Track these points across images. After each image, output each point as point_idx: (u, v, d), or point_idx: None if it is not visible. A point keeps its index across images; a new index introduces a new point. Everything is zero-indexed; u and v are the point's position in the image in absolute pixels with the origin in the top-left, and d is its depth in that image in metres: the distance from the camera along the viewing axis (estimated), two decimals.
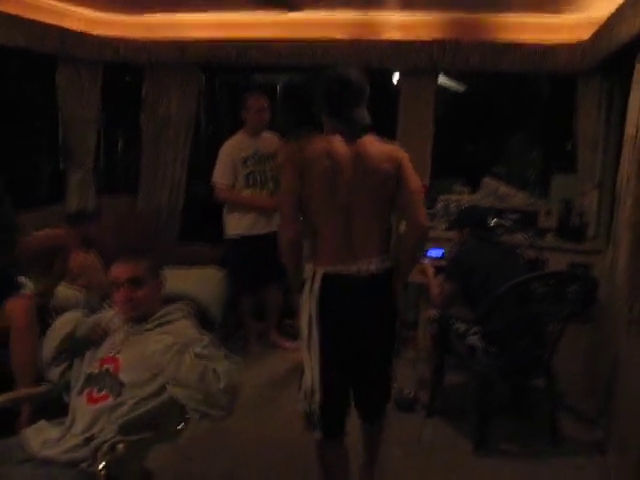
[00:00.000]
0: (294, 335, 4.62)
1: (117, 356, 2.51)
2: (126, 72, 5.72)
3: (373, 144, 2.75)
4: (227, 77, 6.61)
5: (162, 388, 2.40)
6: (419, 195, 2.78)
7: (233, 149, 4.76)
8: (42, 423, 2.48)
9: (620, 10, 3.49)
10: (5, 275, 3.58)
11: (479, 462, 3.60)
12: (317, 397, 2.70)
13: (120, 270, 2.58)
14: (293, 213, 2.68)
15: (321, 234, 2.73)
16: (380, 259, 2.73)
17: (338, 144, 2.70)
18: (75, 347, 2.64)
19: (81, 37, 5.06)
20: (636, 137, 3.09)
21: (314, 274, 2.71)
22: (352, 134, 2.72)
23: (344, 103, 2.70)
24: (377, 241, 2.75)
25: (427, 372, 4.29)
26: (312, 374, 2.72)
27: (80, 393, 2.48)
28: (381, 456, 3.14)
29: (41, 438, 2.38)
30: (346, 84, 2.69)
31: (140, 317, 2.59)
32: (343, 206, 2.68)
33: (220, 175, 4.74)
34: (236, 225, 4.83)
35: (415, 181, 2.77)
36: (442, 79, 5.62)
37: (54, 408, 2.56)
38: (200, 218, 5.96)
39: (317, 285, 2.68)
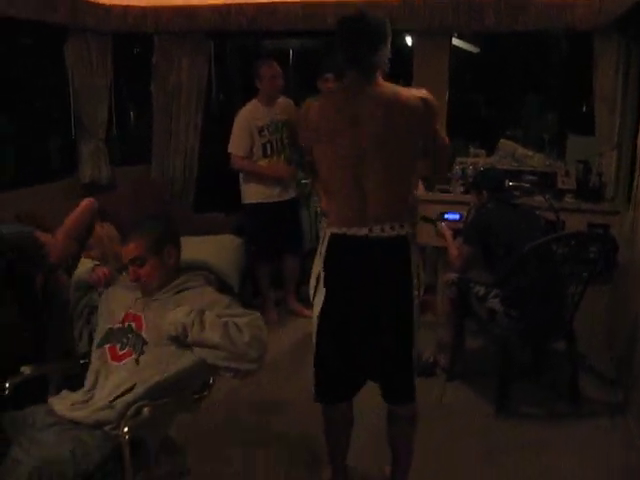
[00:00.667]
0: None
1: (139, 314, 2.54)
2: (136, 41, 5.65)
3: (394, 91, 2.55)
4: (237, 43, 6.53)
5: (185, 349, 2.42)
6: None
7: (248, 119, 4.72)
8: (65, 392, 2.50)
9: None
10: None
11: (500, 425, 3.61)
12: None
13: (124, 252, 2.61)
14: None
15: (333, 193, 2.61)
16: (397, 224, 2.54)
17: (350, 95, 2.55)
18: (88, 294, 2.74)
19: (90, 6, 4.99)
20: None
21: (324, 234, 2.63)
22: (368, 80, 2.53)
23: (357, 46, 2.52)
24: (394, 204, 2.55)
25: (446, 336, 4.28)
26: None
27: (101, 346, 2.52)
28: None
29: (68, 402, 2.41)
30: (358, 26, 2.53)
31: (153, 289, 2.60)
32: (356, 164, 2.51)
33: (236, 146, 4.72)
34: (253, 193, 4.83)
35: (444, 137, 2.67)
36: (456, 41, 5.53)
37: (80, 382, 2.56)
38: (214, 186, 5.94)
39: (324, 246, 2.59)
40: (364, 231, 2.51)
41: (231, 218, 5.41)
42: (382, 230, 2.50)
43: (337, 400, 2.77)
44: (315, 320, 2.66)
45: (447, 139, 2.71)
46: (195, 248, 3.82)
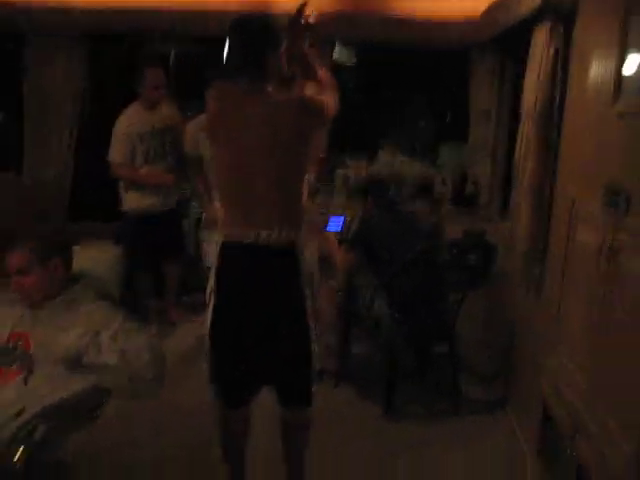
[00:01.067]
0: (194, 311, 4.58)
1: (26, 331, 2.43)
2: (6, 40, 5.35)
3: (285, 96, 2.54)
4: (117, 46, 6.32)
5: (77, 368, 2.34)
6: None
7: (128, 125, 4.56)
8: None
9: None
10: None
11: (388, 427, 3.71)
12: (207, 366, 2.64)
13: (8, 262, 2.52)
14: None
15: (225, 198, 2.58)
16: (285, 230, 2.49)
17: (243, 98, 2.50)
18: None
19: None
20: (535, 107, 3.20)
21: (217, 242, 2.57)
22: (259, 85, 2.50)
23: (249, 49, 2.48)
24: (284, 210, 2.52)
25: (333, 342, 4.35)
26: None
27: None
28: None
29: None
30: (250, 29, 2.50)
31: (40, 300, 2.50)
32: (246, 167, 2.49)
33: (116, 153, 4.56)
34: (134, 200, 4.68)
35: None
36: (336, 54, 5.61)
37: None
38: (90, 194, 5.74)
39: (216, 254, 2.55)
40: (252, 237, 2.47)
41: (108, 226, 5.25)
42: (269, 236, 2.47)
43: (234, 406, 2.74)
44: (207, 326, 2.59)
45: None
46: (74, 258, 3.68)
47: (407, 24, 4.76)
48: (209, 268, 2.62)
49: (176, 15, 4.91)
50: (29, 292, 2.49)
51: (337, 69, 5.63)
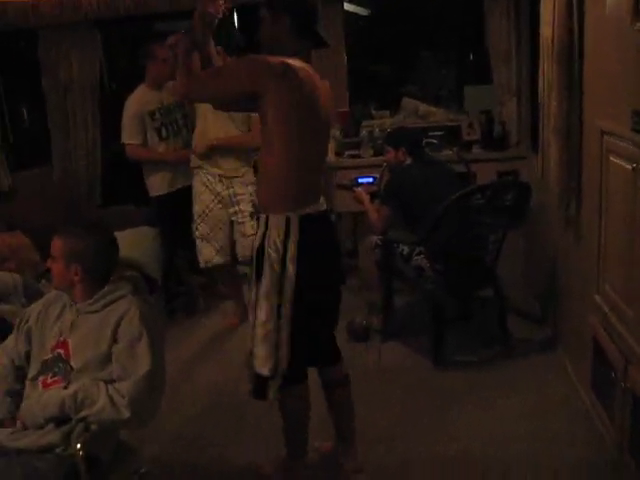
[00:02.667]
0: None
1: (67, 340, 2.45)
2: (20, 38, 5.39)
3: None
4: (125, 30, 6.32)
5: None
6: None
7: (137, 105, 4.53)
8: None
9: None
10: None
11: (440, 376, 3.72)
12: (284, 351, 2.53)
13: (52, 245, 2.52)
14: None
15: (297, 169, 2.50)
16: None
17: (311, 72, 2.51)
18: None
19: None
20: (553, 43, 3.12)
21: (289, 218, 2.48)
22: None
23: (312, 20, 2.48)
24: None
25: (376, 298, 4.36)
26: (279, 324, 2.51)
27: (34, 380, 2.43)
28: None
29: (6, 431, 2.33)
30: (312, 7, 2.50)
31: (77, 296, 2.52)
32: (319, 138, 2.56)
33: (128, 134, 4.54)
34: (158, 183, 4.67)
35: None
36: (347, 5, 5.54)
37: None
38: (121, 179, 5.78)
39: (294, 228, 2.46)
40: (324, 206, 2.60)
41: (142, 210, 5.30)
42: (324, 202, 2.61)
43: (306, 375, 2.74)
44: (289, 297, 2.50)
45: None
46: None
47: None
48: None
49: None
50: (52, 277, 2.51)
51: (351, 21, 5.63)
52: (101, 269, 2.55)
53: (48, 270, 2.54)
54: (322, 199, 2.58)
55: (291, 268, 2.46)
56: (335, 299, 2.77)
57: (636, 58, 2.33)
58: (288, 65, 2.37)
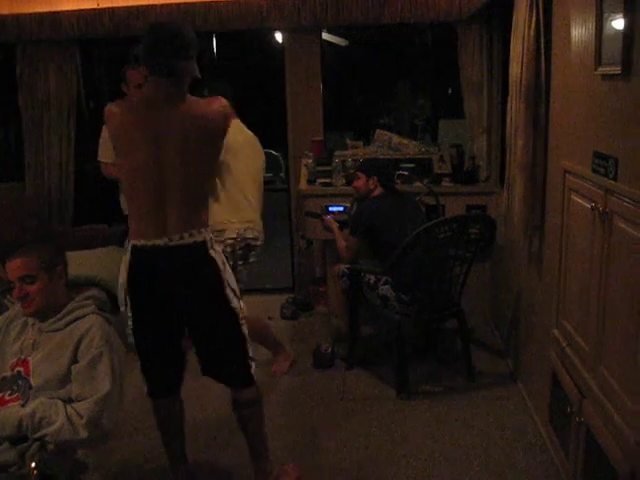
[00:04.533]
0: None
1: (28, 358, 2.46)
2: None
3: (197, 105, 2.60)
4: (104, 49, 6.37)
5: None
6: None
7: None
8: None
9: None
10: None
11: (403, 406, 3.74)
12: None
13: (11, 268, 2.50)
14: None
15: (133, 203, 2.63)
16: (195, 231, 2.58)
17: (152, 107, 2.54)
18: None
19: None
20: (520, 81, 3.20)
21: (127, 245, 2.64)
22: (175, 90, 2.54)
23: (166, 55, 2.49)
24: (193, 213, 2.60)
25: (342, 326, 4.40)
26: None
27: None
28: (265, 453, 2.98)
29: None
30: (168, 35, 2.50)
31: (44, 312, 2.52)
32: (155, 176, 2.53)
33: (103, 152, 4.56)
34: None
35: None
36: (325, 35, 5.63)
37: None
38: (94, 197, 5.78)
39: (127, 257, 2.60)
40: (164, 240, 2.53)
41: (114, 229, 5.29)
42: (181, 238, 2.54)
43: (165, 392, 2.88)
44: (129, 327, 2.68)
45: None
46: (81, 262, 3.72)
47: (392, 3, 4.79)
48: None
49: (160, 12, 4.93)
50: (33, 300, 2.48)
51: (329, 50, 5.72)
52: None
53: (23, 297, 2.50)
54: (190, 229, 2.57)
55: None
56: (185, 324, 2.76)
57: (598, 102, 2.42)
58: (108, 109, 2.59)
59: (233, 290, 2.70)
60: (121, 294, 2.65)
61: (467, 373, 3.98)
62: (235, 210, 3.77)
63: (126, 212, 4.60)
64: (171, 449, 2.98)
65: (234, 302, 2.70)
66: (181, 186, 2.54)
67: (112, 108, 2.58)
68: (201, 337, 2.76)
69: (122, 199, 4.67)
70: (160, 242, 2.52)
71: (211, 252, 2.61)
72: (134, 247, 2.55)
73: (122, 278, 2.63)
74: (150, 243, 2.52)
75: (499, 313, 4.52)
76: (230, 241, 3.72)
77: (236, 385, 2.86)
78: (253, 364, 2.82)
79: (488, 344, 4.41)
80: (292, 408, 3.77)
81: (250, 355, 2.80)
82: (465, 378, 3.97)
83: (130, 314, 2.64)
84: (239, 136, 3.77)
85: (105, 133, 4.54)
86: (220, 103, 2.64)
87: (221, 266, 2.65)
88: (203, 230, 2.60)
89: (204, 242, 2.59)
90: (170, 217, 2.53)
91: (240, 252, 3.76)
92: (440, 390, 3.92)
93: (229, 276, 2.70)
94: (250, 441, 2.94)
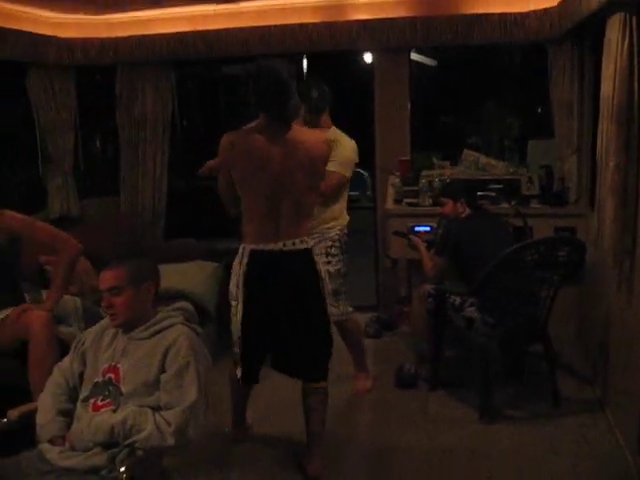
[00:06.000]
0: None
1: (118, 365, 2.53)
2: (98, 72, 5.65)
3: (301, 134, 3.08)
4: (197, 70, 6.58)
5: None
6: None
7: None
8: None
9: None
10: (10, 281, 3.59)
11: (486, 430, 3.68)
12: (238, 349, 3.19)
13: (101, 279, 2.60)
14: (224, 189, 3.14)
15: (253, 216, 3.08)
16: (303, 239, 3.10)
17: (265, 138, 2.99)
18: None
19: (50, 41, 5.03)
20: (612, 102, 3.14)
21: (243, 250, 3.11)
22: (283, 128, 3.00)
23: (275, 101, 2.95)
24: (301, 225, 3.11)
25: (426, 347, 4.37)
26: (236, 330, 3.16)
27: (86, 401, 2.51)
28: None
29: (58, 448, 2.42)
30: (275, 83, 2.95)
31: (130, 324, 2.60)
32: (271, 195, 3.01)
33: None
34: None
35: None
36: (414, 55, 5.65)
37: None
38: (184, 213, 5.96)
39: (244, 259, 3.08)
40: (279, 245, 3.04)
41: (202, 244, 5.45)
42: (293, 244, 3.06)
43: (253, 380, 3.37)
44: (238, 320, 3.12)
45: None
46: (169, 276, 3.84)
47: (482, 23, 4.79)
48: None
49: (252, 34, 5.07)
50: (118, 311, 2.56)
51: (418, 70, 5.74)
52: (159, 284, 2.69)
53: (109, 307, 2.58)
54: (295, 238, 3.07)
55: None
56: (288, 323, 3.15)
57: None
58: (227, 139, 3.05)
59: (328, 295, 3.24)
60: (233, 290, 3.13)
61: (553, 399, 3.88)
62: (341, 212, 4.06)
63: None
64: (237, 413, 3.60)
65: (329, 308, 3.23)
66: (290, 201, 3.03)
67: (231, 138, 3.04)
68: (292, 333, 3.16)
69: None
70: (275, 247, 3.03)
71: (316, 258, 3.16)
72: (253, 251, 3.05)
73: (235, 277, 3.11)
74: (267, 248, 3.03)
75: (587, 338, 4.40)
76: (336, 236, 3.99)
77: (310, 379, 3.25)
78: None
79: (575, 370, 4.30)
80: (374, 427, 3.78)
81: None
82: (551, 404, 3.87)
83: (241, 309, 3.09)
84: (354, 155, 3.99)
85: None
86: (321, 134, 3.19)
87: (321, 272, 3.17)
88: (308, 239, 3.13)
89: (310, 249, 3.13)
90: (282, 227, 3.04)
91: (344, 245, 4.06)
92: (524, 415, 3.83)
93: (326, 283, 3.23)
94: (310, 427, 3.30)
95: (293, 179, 3.00)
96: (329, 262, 3.90)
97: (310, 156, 3.03)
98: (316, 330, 3.18)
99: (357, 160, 4.04)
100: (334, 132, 3.95)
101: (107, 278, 2.57)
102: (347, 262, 4.06)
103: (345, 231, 4.08)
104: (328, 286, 3.31)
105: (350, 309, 4.10)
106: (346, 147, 3.93)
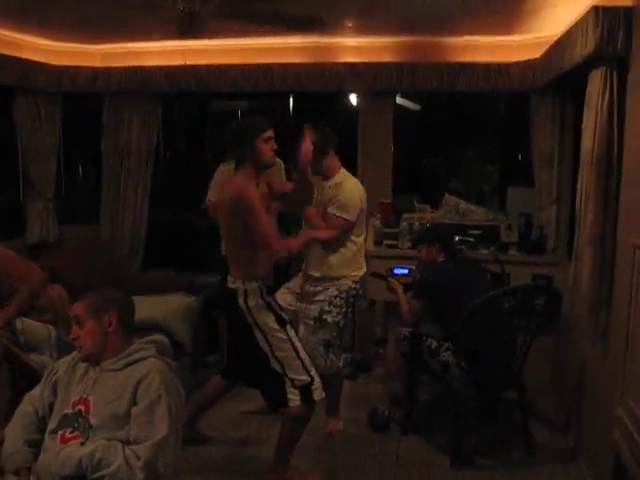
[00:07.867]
0: None
1: (89, 397, 2.50)
2: (86, 100, 5.66)
3: (233, 179, 3.39)
4: (184, 103, 6.62)
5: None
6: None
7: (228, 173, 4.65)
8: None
9: (570, 31, 3.62)
10: None
11: (456, 476, 3.66)
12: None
13: (71, 309, 2.61)
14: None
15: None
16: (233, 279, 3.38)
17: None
18: None
19: (40, 67, 5.04)
20: (592, 153, 3.20)
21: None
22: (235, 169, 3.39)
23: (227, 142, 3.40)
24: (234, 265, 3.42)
25: (399, 390, 4.36)
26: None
27: (54, 433, 2.47)
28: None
29: None
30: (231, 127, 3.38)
31: (95, 356, 2.56)
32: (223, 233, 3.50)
33: (212, 192, 4.59)
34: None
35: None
36: (399, 99, 5.73)
37: None
38: (164, 244, 5.94)
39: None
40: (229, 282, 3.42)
41: (182, 276, 5.42)
42: (232, 282, 3.40)
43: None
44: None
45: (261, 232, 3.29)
46: (145, 307, 3.82)
47: (467, 71, 4.89)
48: None
49: (241, 72, 5.12)
50: (82, 343, 2.54)
51: (401, 114, 5.81)
52: (130, 315, 2.65)
53: (74, 339, 2.56)
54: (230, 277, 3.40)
55: None
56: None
57: None
58: None
59: (263, 332, 3.33)
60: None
61: (525, 447, 3.88)
62: (354, 260, 3.98)
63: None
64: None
65: (262, 343, 3.34)
66: (227, 245, 3.50)
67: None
68: (246, 360, 3.56)
69: None
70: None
71: (240, 300, 3.33)
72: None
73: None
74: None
75: (561, 387, 4.41)
76: (345, 287, 3.92)
77: (274, 403, 3.67)
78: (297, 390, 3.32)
79: (548, 418, 4.30)
80: (345, 469, 3.74)
81: (291, 379, 3.32)
82: (523, 452, 3.87)
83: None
84: (356, 199, 3.90)
85: (217, 176, 4.66)
86: (236, 183, 3.30)
87: (247, 313, 3.34)
88: (237, 280, 3.35)
89: (235, 290, 3.35)
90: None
91: (352, 300, 3.99)
92: (496, 463, 3.82)
93: (261, 320, 3.33)
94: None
95: (221, 222, 3.40)
96: (329, 312, 3.88)
97: (228, 198, 3.28)
98: (255, 361, 3.41)
99: (362, 204, 3.93)
100: (342, 175, 3.93)
101: (73, 308, 2.58)
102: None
103: (358, 286, 4.01)
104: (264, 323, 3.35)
105: (339, 365, 4.05)
106: (348, 190, 3.86)
